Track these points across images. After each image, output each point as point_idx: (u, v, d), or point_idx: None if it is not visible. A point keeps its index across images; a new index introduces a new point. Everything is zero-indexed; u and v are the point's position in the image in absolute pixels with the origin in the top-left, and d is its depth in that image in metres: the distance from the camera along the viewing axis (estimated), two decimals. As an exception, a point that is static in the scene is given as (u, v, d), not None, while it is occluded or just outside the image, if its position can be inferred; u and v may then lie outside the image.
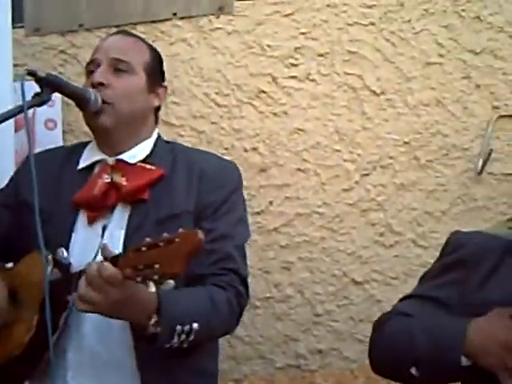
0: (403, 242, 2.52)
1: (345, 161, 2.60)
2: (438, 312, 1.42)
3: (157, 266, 1.21)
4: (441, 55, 2.61)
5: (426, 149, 2.55)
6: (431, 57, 2.61)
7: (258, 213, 2.62)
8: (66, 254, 1.56)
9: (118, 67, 1.69)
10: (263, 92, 2.69)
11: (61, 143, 2.84)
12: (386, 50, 2.63)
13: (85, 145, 1.82)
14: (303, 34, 2.69)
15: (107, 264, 1.33)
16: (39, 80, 1.54)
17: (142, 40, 1.86)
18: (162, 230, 1.30)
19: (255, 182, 2.65)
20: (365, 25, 2.65)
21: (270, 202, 2.63)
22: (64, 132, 2.90)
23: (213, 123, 2.71)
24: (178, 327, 1.47)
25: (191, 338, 1.50)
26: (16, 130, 3.08)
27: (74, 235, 1.61)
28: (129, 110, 1.69)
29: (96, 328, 1.57)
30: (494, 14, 2.59)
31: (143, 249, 1.25)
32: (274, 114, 2.68)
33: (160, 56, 1.88)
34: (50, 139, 3.02)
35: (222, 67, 2.74)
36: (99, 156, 1.73)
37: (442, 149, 2.55)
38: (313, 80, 2.66)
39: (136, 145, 1.73)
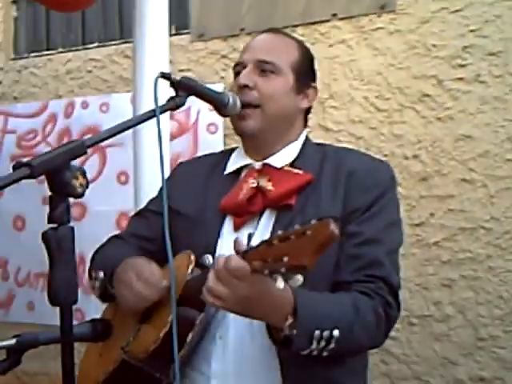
0: None
1: None
2: None
3: (285, 258, 1.14)
4: None
5: None
6: None
7: (417, 225, 2.45)
8: (211, 260, 1.53)
9: (264, 68, 1.62)
10: (427, 95, 2.50)
11: (222, 147, 2.84)
12: None
13: (233, 150, 1.77)
14: (473, 31, 2.45)
15: (234, 256, 1.26)
16: (174, 84, 1.49)
17: (291, 37, 1.76)
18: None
19: (415, 192, 2.47)
20: None
21: (431, 214, 2.45)
22: (225, 136, 2.89)
23: (372, 128, 2.56)
24: (317, 332, 1.35)
25: (332, 346, 1.38)
26: (180, 135, 3.14)
27: (220, 241, 1.56)
28: (275, 113, 1.62)
29: (240, 336, 1.51)
30: None
31: (274, 242, 1.18)
32: (439, 119, 2.48)
33: (311, 55, 1.75)
34: (211, 143, 3.04)
35: (382, 69, 2.57)
36: (246, 161, 1.67)
37: None
38: (483, 82, 2.43)
39: (283, 148, 1.65)
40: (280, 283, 1.23)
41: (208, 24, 3.05)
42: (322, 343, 1.37)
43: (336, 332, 1.37)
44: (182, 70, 2.99)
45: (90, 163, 3.19)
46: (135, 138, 2.33)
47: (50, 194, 1.24)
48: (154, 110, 1.43)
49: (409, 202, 2.47)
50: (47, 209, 1.23)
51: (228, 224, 1.60)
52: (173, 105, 1.49)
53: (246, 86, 1.60)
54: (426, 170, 2.48)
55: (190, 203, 1.66)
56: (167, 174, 1.86)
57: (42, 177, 1.20)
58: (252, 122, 1.60)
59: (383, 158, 2.48)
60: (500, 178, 2.38)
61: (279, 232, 1.21)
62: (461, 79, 2.47)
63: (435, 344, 2.41)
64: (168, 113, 2.04)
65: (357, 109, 2.62)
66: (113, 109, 3.25)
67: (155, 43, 2.33)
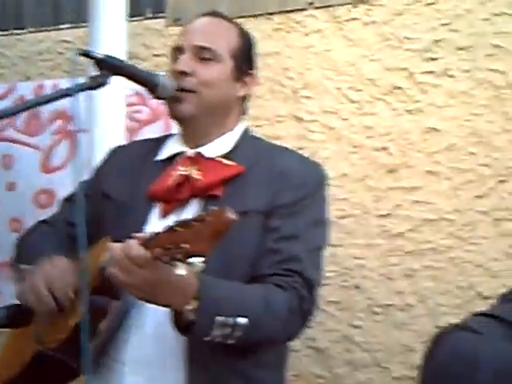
0: None
1: (480, 165, 2.74)
2: None
3: (185, 245, 1.33)
4: None
5: None
6: None
7: (383, 216, 2.85)
8: None
9: (203, 55, 1.82)
10: (398, 88, 2.89)
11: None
12: None
13: (170, 136, 1.97)
14: (444, 25, 2.86)
15: (134, 243, 1.45)
16: (97, 62, 1.66)
17: (232, 22, 1.94)
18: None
19: (383, 184, 2.87)
20: None
21: (397, 205, 2.84)
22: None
23: (343, 119, 2.96)
24: (219, 318, 1.55)
25: (237, 333, 1.59)
26: (153, 121, 3.60)
27: (147, 228, 1.74)
28: (212, 99, 1.81)
29: (157, 324, 1.71)
30: None
31: (177, 228, 1.37)
32: (408, 112, 2.87)
33: (251, 41, 1.97)
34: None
35: (356, 60, 2.99)
36: (180, 148, 1.87)
37: None
38: (451, 76, 2.82)
39: (217, 138, 1.86)
40: (180, 269, 1.43)
41: (184, 8, 3.51)
42: (226, 330, 1.57)
43: (242, 320, 1.58)
44: (157, 55, 3.40)
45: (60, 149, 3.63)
46: (91, 122, 2.60)
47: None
48: (69, 89, 1.63)
49: (376, 193, 2.85)
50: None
51: (156, 211, 1.79)
52: (93, 84, 1.66)
53: (183, 73, 1.79)
54: (393, 162, 2.85)
55: (122, 188, 1.85)
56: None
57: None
58: (187, 105, 1.79)
59: (352, 150, 3.02)
60: (464, 170, 2.75)
61: (182, 218, 1.40)
62: (431, 72, 2.84)
63: (396, 332, 2.77)
64: (123, 95, 2.39)
65: (329, 99, 3.00)
66: (84, 92, 3.67)
67: (110, 28, 2.62)
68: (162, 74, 1.78)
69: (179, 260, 1.39)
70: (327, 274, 2.83)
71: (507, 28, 2.79)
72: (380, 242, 2.85)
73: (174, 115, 1.84)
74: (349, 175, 2.94)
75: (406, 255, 2.83)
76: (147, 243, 1.43)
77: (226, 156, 1.84)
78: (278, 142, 2.85)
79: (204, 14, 1.92)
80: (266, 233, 1.74)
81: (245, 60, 1.91)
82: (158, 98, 1.79)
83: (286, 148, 1.98)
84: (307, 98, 3.07)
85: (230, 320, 1.58)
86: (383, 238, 2.86)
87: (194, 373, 1.68)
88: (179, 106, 1.80)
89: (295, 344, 2.76)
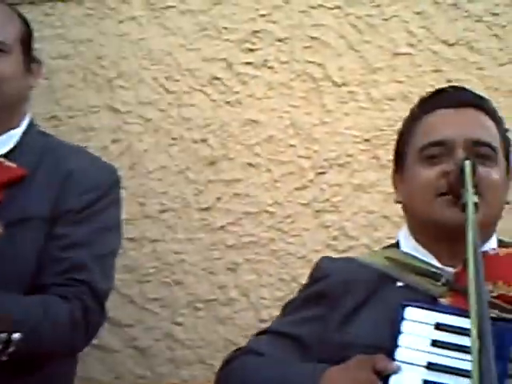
0: (357, 247, 2.67)
1: (299, 157, 2.75)
2: (294, 353, 1.51)
3: None
4: (411, 45, 2.73)
5: (387, 148, 2.62)
6: (400, 46, 2.74)
7: (204, 209, 2.78)
8: None
9: None
10: (217, 78, 2.85)
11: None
12: (351, 36, 2.77)
13: None
14: (263, 16, 2.85)
15: None
16: None
17: (12, 8, 1.83)
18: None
19: (203, 176, 2.80)
20: (329, 8, 2.79)
21: (218, 199, 2.79)
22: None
23: (161, 110, 2.89)
24: None
25: (11, 349, 1.47)
26: None
27: None
28: (8, 95, 1.72)
29: None
30: (472, 1, 2.73)
31: None
32: (227, 103, 2.83)
33: (30, 26, 1.86)
34: None
35: (173, 50, 2.92)
36: None
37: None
38: (270, 67, 2.81)
39: (1, 135, 1.75)
40: None
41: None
42: None
43: (16, 335, 1.46)
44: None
45: None
46: None
47: None
48: None
49: (196, 186, 2.78)
50: None
51: None
52: None
53: None
54: (213, 154, 2.80)
55: None
56: None
57: None
58: None
59: (171, 142, 2.94)
60: (283, 162, 2.75)
61: None
62: (249, 63, 2.82)
63: (219, 327, 2.72)
64: None
65: (146, 89, 2.89)
66: None
67: None
68: None
69: None
70: (147, 271, 2.75)
71: (324, 20, 2.81)
72: (201, 235, 2.80)
73: None
74: (168, 168, 2.85)
75: (228, 249, 2.79)
76: None
77: (8, 155, 1.71)
78: (92, 134, 2.77)
79: None
80: (50, 240, 1.66)
81: (30, 48, 1.81)
82: None
83: (78, 147, 1.90)
84: (122, 87, 2.95)
85: (2, 336, 1.46)
86: (204, 231, 2.80)
87: None
88: None
89: (115, 345, 2.66)
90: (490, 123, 1.70)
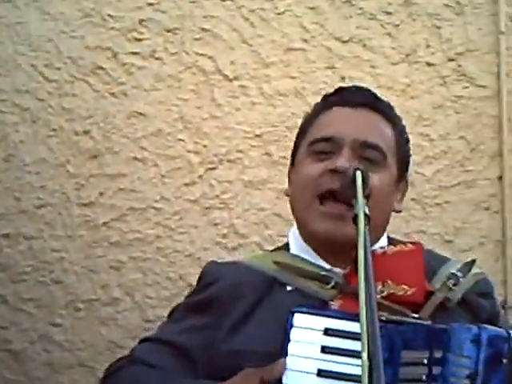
0: (248, 245, 2.61)
1: (188, 152, 2.66)
2: (183, 365, 1.47)
3: None
4: (304, 40, 2.71)
5: (280, 144, 2.64)
6: (293, 42, 2.70)
7: (86, 205, 2.63)
8: None
9: None
10: (101, 68, 2.71)
11: None
12: (244, 30, 2.72)
13: None
14: (151, 4, 2.73)
15: None
16: None
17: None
18: None
19: (85, 170, 2.65)
20: (221, 0, 2.74)
21: (101, 194, 2.65)
22: None
23: (39, 100, 2.70)
24: None
25: None
26: None
27: None
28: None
29: None
30: (366, -1, 2.73)
31: None
32: (112, 94, 2.70)
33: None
34: None
35: (54, 36, 2.74)
36: None
37: (299, 145, 2.71)
38: (158, 58, 2.70)
39: None
40: None
41: None
42: None
43: None
44: None
45: None
46: None
47: None
48: None
49: (78, 180, 2.63)
50: None
51: None
52: None
53: None
54: (96, 147, 2.65)
55: None
56: None
57: None
58: None
59: (51, 133, 2.75)
60: (171, 157, 2.65)
61: None
62: (136, 53, 2.70)
63: (102, 328, 2.58)
64: None
65: (23, 77, 2.70)
66: None
67: None
68: None
69: None
70: (23, 270, 2.57)
71: (216, 12, 2.75)
72: (82, 232, 2.64)
73: None
74: (47, 161, 2.68)
75: (111, 246, 2.65)
76: None
77: None
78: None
79: None
80: None
81: None
82: None
83: None
84: (-3, 74, 2.74)
85: None
86: (86, 228, 2.65)
87: None
88: None
89: (-14, 348, 2.45)
90: (385, 126, 1.69)
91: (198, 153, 2.70)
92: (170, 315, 1.64)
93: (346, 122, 1.62)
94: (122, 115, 2.73)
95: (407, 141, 1.74)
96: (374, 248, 1.58)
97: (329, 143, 1.60)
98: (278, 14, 2.73)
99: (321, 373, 1.36)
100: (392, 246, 1.63)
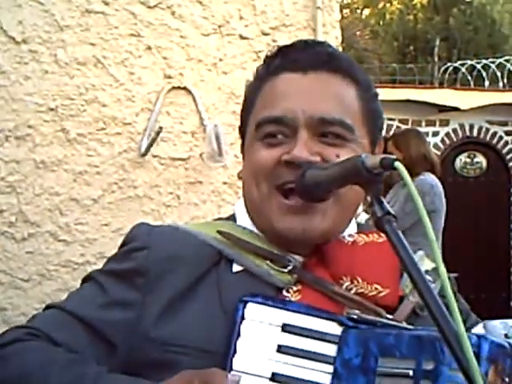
0: (40, 234, 2.35)
1: None
2: (98, 348, 1.18)
3: None
4: (106, 3, 2.40)
5: (77, 119, 2.40)
6: (93, 3, 2.42)
7: None
8: None
9: None
10: None
11: None
12: None
13: None
14: None
15: None
16: None
17: None
18: None
19: None
20: None
21: None
22: None
23: None
24: None
25: None
26: None
27: None
28: None
29: None
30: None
31: None
32: None
33: None
34: None
35: None
36: None
37: (99, 121, 2.41)
38: None
39: None
40: None
41: None
42: None
43: None
44: None
45: None
46: None
47: None
48: None
49: None
50: None
51: None
52: None
53: None
54: None
55: None
56: None
57: None
58: None
59: None
60: None
61: None
62: None
63: None
64: None
65: None
66: None
67: None
68: None
69: None
70: None
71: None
72: None
73: None
74: None
75: None
76: None
77: None
78: None
79: None
80: None
81: None
82: None
83: None
84: None
85: None
86: None
87: None
88: None
89: None
90: (346, 89, 1.31)
91: None
92: (85, 280, 1.25)
93: (296, 94, 1.25)
94: None
95: (376, 96, 1.38)
96: (342, 235, 1.27)
97: (280, 125, 1.24)
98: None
99: (275, 377, 1.13)
100: (363, 235, 1.31)
